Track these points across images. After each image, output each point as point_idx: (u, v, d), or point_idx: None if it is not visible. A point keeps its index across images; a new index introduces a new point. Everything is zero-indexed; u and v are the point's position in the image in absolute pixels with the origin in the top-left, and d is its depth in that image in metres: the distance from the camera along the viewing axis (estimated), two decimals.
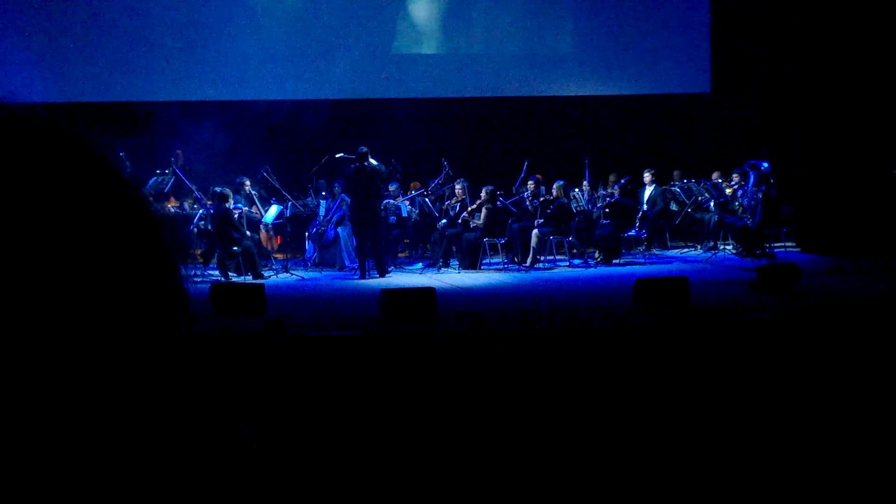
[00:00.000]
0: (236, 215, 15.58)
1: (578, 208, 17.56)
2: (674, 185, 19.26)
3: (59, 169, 0.75)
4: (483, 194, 16.35)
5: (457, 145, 19.69)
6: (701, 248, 18.53)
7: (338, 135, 19.11)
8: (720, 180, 18.59)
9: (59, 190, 0.74)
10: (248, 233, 15.41)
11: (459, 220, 16.43)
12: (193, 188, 16.17)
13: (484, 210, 16.25)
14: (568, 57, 20.32)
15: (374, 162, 15.29)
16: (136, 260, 0.76)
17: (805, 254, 17.52)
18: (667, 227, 19.09)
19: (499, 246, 16.49)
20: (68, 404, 0.71)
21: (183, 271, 0.83)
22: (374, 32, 19.72)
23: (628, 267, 16.44)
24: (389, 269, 15.58)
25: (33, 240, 0.71)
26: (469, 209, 16.40)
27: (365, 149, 15.36)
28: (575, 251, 17.05)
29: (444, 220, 16.66)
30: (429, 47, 20.01)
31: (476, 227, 16.27)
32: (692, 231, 19.26)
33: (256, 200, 16.78)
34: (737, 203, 17.84)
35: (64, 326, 0.71)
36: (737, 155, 18.53)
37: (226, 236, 14.93)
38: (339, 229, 16.43)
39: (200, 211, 15.99)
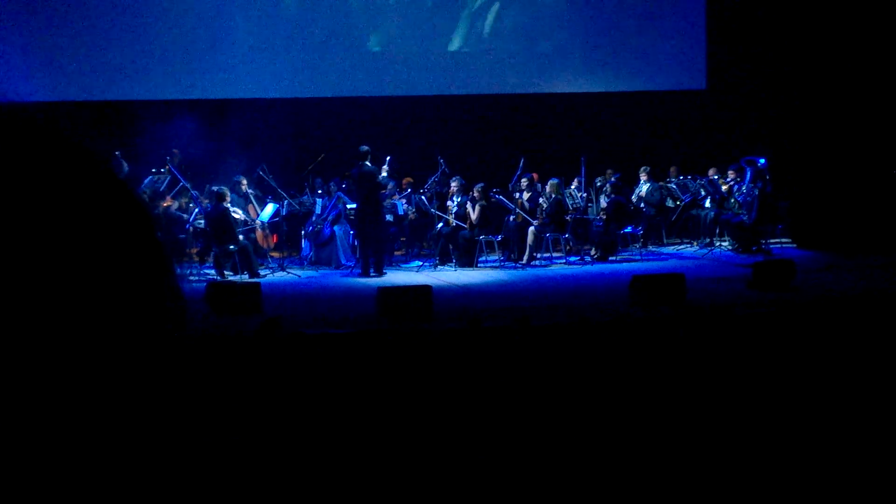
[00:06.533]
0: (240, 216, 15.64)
1: (574, 205, 17.59)
2: (670, 182, 19.29)
3: (52, 170, 0.75)
4: (475, 192, 16.35)
5: (452, 143, 19.68)
6: (697, 245, 18.53)
7: (334, 133, 19.11)
8: (716, 177, 18.62)
9: (52, 191, 0.74)
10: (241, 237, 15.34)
11: (453, 220, 16.42)
12: (189, 187, 16.16)
13: (478, 207, 16.24)
14: (563, 54, 20.32)
15: (369, 164, 15.26)
16: (129, 260, 0.77)
17: (801, 250, 17.53)
18: (663, 223, 19.11)
19: (495, 243, 16.50)
20: (59, 403, 0.72)
21: (178, 271, 0.83)
22: (370, 30, 19.71)
23: (625, 264, 16.45)
24: (385, 272, 15.48)
25: (25, 241, 0.71)
26: (467, 211, 16.39)
27: (366, 148, 15.32)
28: (571, 248, 17.07)
29: (440, 224, 16.67)
30: (423, 45, 19.99)
31: (471, 225, 16.29)
32: (688, 228, 19.27)
33: (253, 199, 16.76)
34: (733, 199, 17.87)
35: (57, 326, 0.71)
36: (733, 151, 18.56)
37: (223, 235, 14.91)
38: (335, 227, 16.42)
39: (197, 210, 15.98)
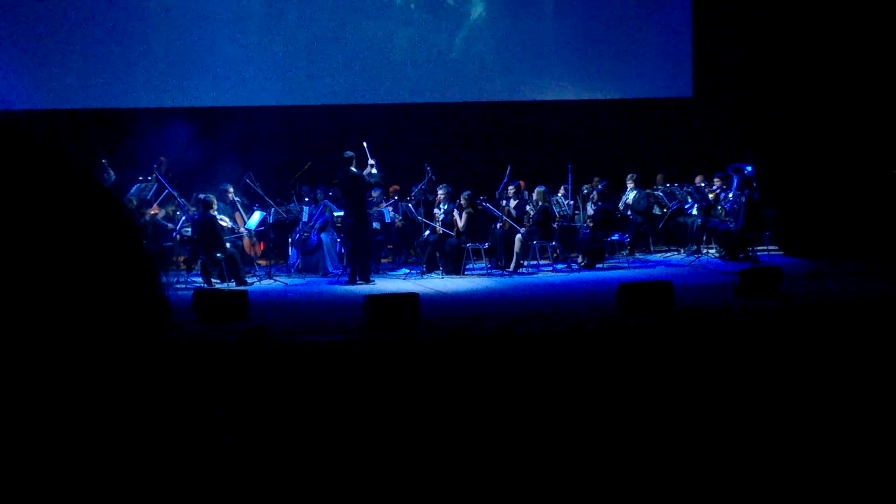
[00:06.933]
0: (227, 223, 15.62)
1: (561, 213, 17.60)
2: (657, 190, 19.32)
3: (35, 178, 0.75)
4: (462, 200, 16.35)
5: (439, 150, 19.69)
6: (684, 252, 18.56)
7: (320, 141, 19.10)
8: (703, 184, 18.66)
9: (35, 200, 0.73)
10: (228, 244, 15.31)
11: (440, 228, 16.41)
12: (176, 195, 16.13)
13: (465, 215, 16.25)
14: (551, 62, 20.36)
15: (354, 170, 15.25)
16: (115, 270, 0.76)
17: (788, 257, 17.58)
18: (650, 231, 19.14)
19: (482, 251, 16.50)
20: (46, 412, 0.71)
21: (164, 279, 0.83)
22: (357, 39, 19.72)
23: (612, 271, 16.45)
24: (372, 280, 15.47)
25: (8, 249, 0.71)
26: (454, 219, 16.39)
27: (350, 153, 15.32)
28: (558, 255, 17.08)
29: (427, 231, 16.66)
30: (411, 53, 20.01)
31: (458, 233, 16.28)
32: (675, 235, 19.30)
33: (239, 207, 16.74)
34: (720, 207, 17.91)
35: (43, 335, 0.71)
36: (719, 159, 18.61)
37: (210, 243, 14.88)
38: (322, 235, 16.41)
39: (184, 218, 15.94)
